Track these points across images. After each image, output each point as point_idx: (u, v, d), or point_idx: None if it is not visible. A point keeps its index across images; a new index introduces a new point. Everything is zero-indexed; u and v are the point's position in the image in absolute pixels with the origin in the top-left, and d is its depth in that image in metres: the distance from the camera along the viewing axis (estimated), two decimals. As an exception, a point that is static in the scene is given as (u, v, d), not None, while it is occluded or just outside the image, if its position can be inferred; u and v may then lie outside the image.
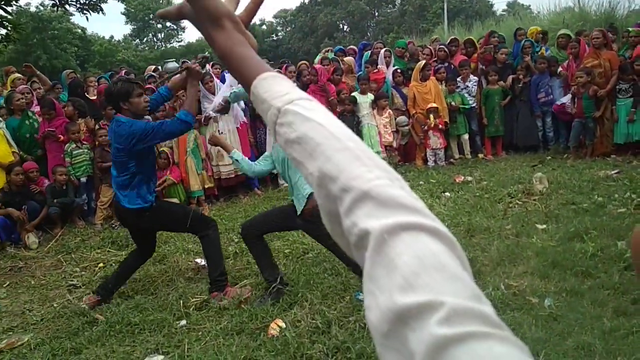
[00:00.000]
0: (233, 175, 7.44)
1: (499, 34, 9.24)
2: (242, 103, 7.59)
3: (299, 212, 3.69)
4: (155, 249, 4.41)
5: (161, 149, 7.25)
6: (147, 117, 4.09)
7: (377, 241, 0.49)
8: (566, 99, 7.70)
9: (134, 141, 3.68)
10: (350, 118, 7.94)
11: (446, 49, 8.80)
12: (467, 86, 8.37)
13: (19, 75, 8.19)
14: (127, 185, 3.87)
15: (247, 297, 3.87)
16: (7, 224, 5.98)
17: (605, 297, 3.37)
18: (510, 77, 8.24)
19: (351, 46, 10.37)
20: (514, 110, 8.36)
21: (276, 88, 0.67)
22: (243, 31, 0.76)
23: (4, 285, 4.95)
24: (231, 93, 4.82)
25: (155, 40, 51.91)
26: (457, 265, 0.48)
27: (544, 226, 4.82)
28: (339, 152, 0.57)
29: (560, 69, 8.06)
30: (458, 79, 8.37)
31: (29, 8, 31.42)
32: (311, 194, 3.57)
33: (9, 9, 8.66)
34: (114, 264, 5.14)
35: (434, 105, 7.92)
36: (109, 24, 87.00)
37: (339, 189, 0.55)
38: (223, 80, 7.73)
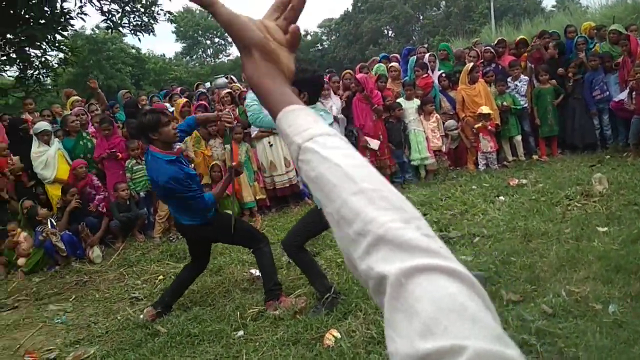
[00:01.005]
0: (287, 185, 7.56)
1: (551, 31, 8.99)
2: None
3: None
4: (209, 261, 4.52)
5: (213, 162, 7.45)
6: (177, 144, 4.17)
7: (394, 286, 0.49)
8: (623, 95, 7.38)
9: (174, 188, 3.77)
10: (397, 124, 7.92)
11: (492, 50, 8.64)
12: (517, 86, 8.18)
13: (78, 97, 8.61)
14: (182, 211, 3.99)
15: (302, 307, 3.90)
16: (72, 240, 6.28)
17: (674, 302, 3.21)
18: (560, 71, 7.98)
19: (394, 54, 10.34)
20: (568, 109, 8.09)
21: (299, 122, 0.67)
22: (275, 60, 0.74)
23: (70, 299, 5.20)
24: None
25: (204, 56, 53.35)
26: (477, 305, 0.47)
27: (605, 229, 4.63)
28: (354, 195, 0.57)
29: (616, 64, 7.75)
30: (508, 80, 8.18)
31: (84, 31, 32.97)
32: None
33: (65, 33, 9.12)
34: (172, 276, 5.29)
35: (485, 110, 7.77)
36: (160, 43, 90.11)
37: (355, 233, 0.55)
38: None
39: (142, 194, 7.06)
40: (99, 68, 31.12)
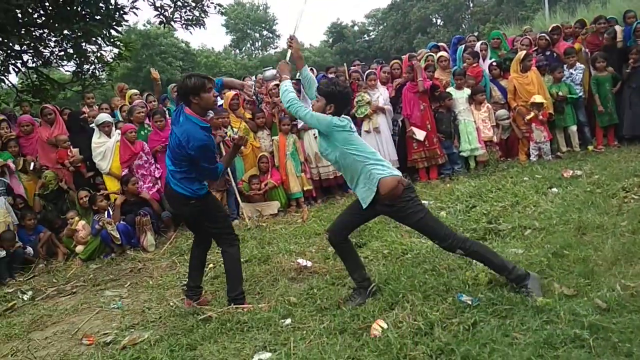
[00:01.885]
0: (332, 177, 7.60)
1: (609, 17, 8.61)
2: None
3: (368, 203, 3.67)
4: (210, 242, 4.48)
5: (261, 154, 7.57)
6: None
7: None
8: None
9: (200, 155, 3.83)
10: (447, 115, 7.80)
11: (547, 37, 8.36)
12: (572, 74, 7.89)
13: (136, 91, 8.89)
14: (182, 178, 3.99)
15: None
16: (127, 229, 6.53)
17: None
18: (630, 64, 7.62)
19: (441, 43, 10.15)
20: (624, 98, 7.73)
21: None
22: None
23: (126, 286, 5.41)
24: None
25: (252, 49, 53.96)
26: None
27: (666, 222, 4.43)
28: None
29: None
30: (564, 67, 7.91)
31: (137, 26, 33.92)
32: (381, 178, 3.56)
33: (119, 28, 9.41)
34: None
35: (538, 100, 7.53)
36: (210, 37, 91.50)
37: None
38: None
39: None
40: (151, 62, 32.02)
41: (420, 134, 7.66)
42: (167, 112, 7.89)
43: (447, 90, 7.95)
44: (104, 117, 7.38)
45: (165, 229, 7.03)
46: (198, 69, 36.46)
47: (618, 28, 7.93)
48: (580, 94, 7.87)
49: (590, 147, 7.85)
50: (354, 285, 4.04)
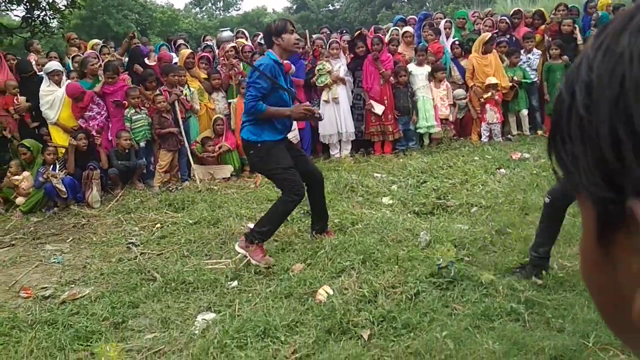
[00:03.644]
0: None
1: (571, 6, 8.79)
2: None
3: None
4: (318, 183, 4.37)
5: (216, 116, 7.41)
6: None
7: None
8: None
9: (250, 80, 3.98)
10: (404, 90, 7.82)
11: (508, 21, 8.48)
12: (529, 59, 8.06)
13: (98, 41, 8.46)
14: (244, 121, 4.09)
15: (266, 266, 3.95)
16: (74, 184, 6.30)
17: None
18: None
19: (412, 16, 10.13)
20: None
21: None
22: None
23: (68, 241, 5.26)
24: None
25: (214, 8, 52.37)
26: None
27: (604, 207, 4.63)
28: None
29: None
30: (521, 52, 8.06)
31: (93, -26, 32.23)
32: None
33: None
34: (170, 225, 5.34)
35: (494, 81, 7.67)
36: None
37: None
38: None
39: (142, 144, 7.00)
40: (107, 13, 30.59)
41: (379, 108, 7.68)
42: (122, 65, 7.59)
43: (408, 66, 7.96)
44: (54, 65, 7.03)
45: (113, 186, 6.83)
46: (155, 25, 35.19)
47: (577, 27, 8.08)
48: (535, 79, 8.06)
49: (540, 132, 8.09)
50: (302, 249, 4.07)
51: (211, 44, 8.97)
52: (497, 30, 8.55)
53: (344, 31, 9.83)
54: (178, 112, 7.00)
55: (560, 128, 0.33)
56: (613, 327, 0.36)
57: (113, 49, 8.55)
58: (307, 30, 9.15)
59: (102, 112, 7.04)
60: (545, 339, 2.71)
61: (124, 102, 6.93)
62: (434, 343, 2.75)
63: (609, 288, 0.34)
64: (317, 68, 7.69)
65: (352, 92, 7.99)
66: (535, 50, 8.11)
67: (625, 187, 0.28)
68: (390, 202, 5.44)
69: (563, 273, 3.45)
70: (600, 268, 0.34)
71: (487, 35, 7.95)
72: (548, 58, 8.10)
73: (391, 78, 7.69)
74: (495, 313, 3.04)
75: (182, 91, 7.09)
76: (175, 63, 7.69)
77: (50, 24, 10.30)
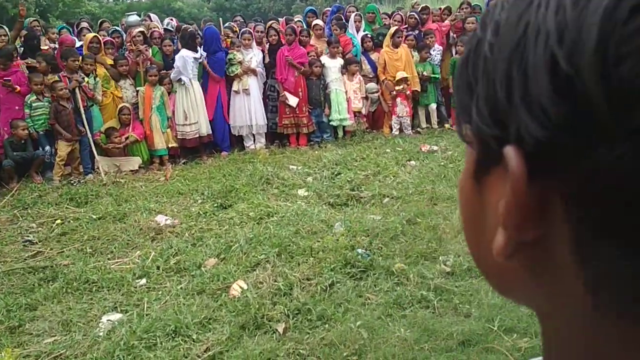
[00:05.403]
0: (197, 136, 7.30)
1: (473, 4, 9.19)
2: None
3: None
4: None
5: (122, 104, 7.04)
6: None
7: None
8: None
9: None
10: (317, 82, 7.84)
11: (417, 17, 8.73)
12: (430, 55, 8.34)
13: None
14: None
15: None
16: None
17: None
18: None
19: (327, 8, 10.16)
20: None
21: None
22: None
23: (-46, 240, 4.79)
24: None
25: (120, -8, 49.86)
26: None
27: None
28: None
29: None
30: (432, 49, 8.34)
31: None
32: None
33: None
34: (71, 220, 5.02)
35: (405, 75, 7.88)
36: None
37: None
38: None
39: (41, 132, 6.51)
40: (-2, -7, 28.19)
41: (293, 100, 7.64)
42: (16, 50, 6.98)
43: (320, 58, 7.98)
44: None
45: (7, 179, 6.28)
46: (56, 7, 32.96)
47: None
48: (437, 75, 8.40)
49: (447, 125, 8.44)
50: (215, 244, 3.96)
51: (118, 28, 8.50)
52: (406, 26, 8.78)
53: (258, 20, 9.68)
54: (79, 99, 6.56)
55: (467, 60, 0.34)
56: (481, 267, 0.38)
57: (7, 33, 7.83)
58: (220, 19, 8.91)
59: None
60: (453, 324, 2.82)
61: (15, 86, 6.38)
62: (349, 333, 2.78)
63: (477, 226, 0.36)
64: (228, 57, 7.52)
65: (265, 83, 7.90)
66: (436, 45, 8.41)
67: (509, 129, 0.29)
68: (306, 194, 5.44)
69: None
70: (472, 204, 0.36)
71: (393, 29, 8.13)
72: (453, 54, 8.45)
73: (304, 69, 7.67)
74: (406, 301, 3.12)
75: (84, 78, 6.66)
76: (79, 48, 7.20)
77: None
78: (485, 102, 0.31)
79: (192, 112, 7.22)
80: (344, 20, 8.58)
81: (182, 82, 7.14)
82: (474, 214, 0.36)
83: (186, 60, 7.07)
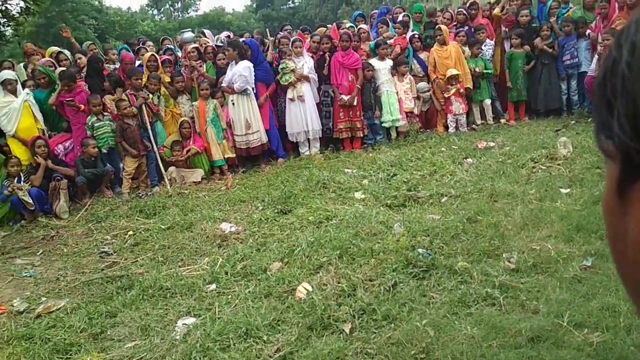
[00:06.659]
0: (258, 144, 7.47)
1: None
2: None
3: None
4: None
5: (182, 119, 7.33)
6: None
7: None
8: (595, 65, 7.51)
9: None
10: (367, 85, 7.88)
11: (465, 12, 8.63)
12: (482, 50, 8.21)
13: (56, 48, 8.19)
14: None
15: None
16: (40, 195, 6.15)
17: (630, 259, 3.37)
18: (537, 41, 8.02)
19: (374, 11, 10.18)
20: (536, 74, 8.19)
21: None
22: None
23: (38, 254, 5.14)
24: None
25: (172, 10, 51.62)
26: None
27: (568, 190, 4.80)
28: None
29: (588, 30, 7.87)
30: (483, 44, 8.22)
31: (46, -20, 31.30)
32: None
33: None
34: (142, 232, 5.28)
35: (455, 72, 7.80)
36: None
37: None
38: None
39: (104, 150, 6.84)
40: (62, 20, 29.79)
41: (347, 97, 7.74)
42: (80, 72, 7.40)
43: (369, 61, 8.02)
44: (6, 74, 6.69)
45: (80, 195, 6.68)
46: (113, 29, 34.51)
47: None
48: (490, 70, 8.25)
49: (503, 121, 8.28)
50: (278, 248, 4.08)
51: (171, 46, 8.85)
52: (455, 23, 8.70)
53: (307, 29, 9.83)
54: (145, 116, 6.90)
55: (604, 79, 0.36)
56: (623, 277, 0.39)
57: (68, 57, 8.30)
58: (267, 29, 9.11)
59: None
60: (521, 321, 2.80)
61: (79, 105, 6.76)
62: (415, 332, 2.81)
63: (622, 236, 0.37)
64: (280, 67, 7.69)
65: (319, 89, 8.02)
66: (488, 40, 8.28)
67: None
68: (363, 196, 5.49)
69: (534, 256, 3.56)
70: (617, 216, 0.37)
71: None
72: (508, 47, 8.30)
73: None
74: (471, 299, 3.12)
75: (149, 95, 6.99)
76: (139, 66, 7.56)
77: (4, 32, 10.00)
78: (626, 118, 0.33)
79: (255, 121, 7.43)
80: (389, 22, 8.57)
81: (248, 92, 7.36)
82: (619, 227, 0.36)
83: (251, 70, 7.30)
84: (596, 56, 7.49)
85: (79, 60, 7.66)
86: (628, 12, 7.25)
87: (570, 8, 8.41)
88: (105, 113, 6.90)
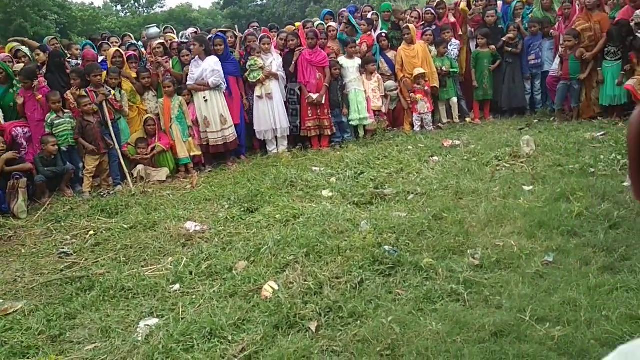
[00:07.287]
0: (221, 143, 7.39)
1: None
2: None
3: None
4: None
5: (146, 116, 7.18)
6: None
7: None
8: (557, 65, 7.67)
9: None
10: (335, 83, 7.88)
11: (433, 12, 8.71)
12: (448, 49, 8.30)
13: (17, 44, 7.87)
14: None
15: None
16: (-4, 194, 5.93)
17: (590, 254, 3.46)
18: (504, 38, 8.15)
19: (343, 9, 10.17)
20: (500, 73, 8.33)
21: None
22: None
23: (-6, 255, 4.95)
24: None
25: (137, 6, 50.67)
26: None
27: (531, 188, 4.88)
28: None
29: (552, 30, 8.05)
30: (449, 44, 8.30)
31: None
32: None
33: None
34: (104, 231, 5.15)
35: (422, 71, 7.87)
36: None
37: None
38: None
39: (63, 148, 6.64)
40: (22, 15, 28.89)
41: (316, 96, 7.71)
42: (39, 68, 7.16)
43: (338, 59, 8.02)
44: None
45: (39, 194, 6.47)
46: (75, 25, 33.65)
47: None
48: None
49: (468, 119, 8.40)
50: (244, 247, 4.03)
51: (135, 42, 8.65)
52: (423, 22, 8.77)
53: (275, 26, 9.76)
54: (106, 113, 6.73)
55: None
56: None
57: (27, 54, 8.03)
58: (236, 25, 9.01)
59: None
60: (485, 316, 2.83)
61: (38, 94, 6.55)
62: (381, 329, 2.81)
63: None
64: (248, 64, 7.62)
65: (286, 87, 7.97)
66: (453, 40, 8.38)
67: None
68: (330, 194, 5.48)
69: (497, 252, 3.61)
70: None
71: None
72: (474, 47, 8.41)
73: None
74: (436, 295, 3.14)
75: (110, 91, 6.81)
76: (102, 63, 7.37)
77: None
78: None
79: (228, 115, 7.35)
80: (353, 23, 8.54)
81: (222, 87, 7.27)
82: None
83: (220, 64, 7.21)
84: (558, 57, 7.66)
85: (37, 57, 7.42)
86: (587, 13, 7.44)
87: (533, 9, 8.59)
88: (66, 110, 6.70)
